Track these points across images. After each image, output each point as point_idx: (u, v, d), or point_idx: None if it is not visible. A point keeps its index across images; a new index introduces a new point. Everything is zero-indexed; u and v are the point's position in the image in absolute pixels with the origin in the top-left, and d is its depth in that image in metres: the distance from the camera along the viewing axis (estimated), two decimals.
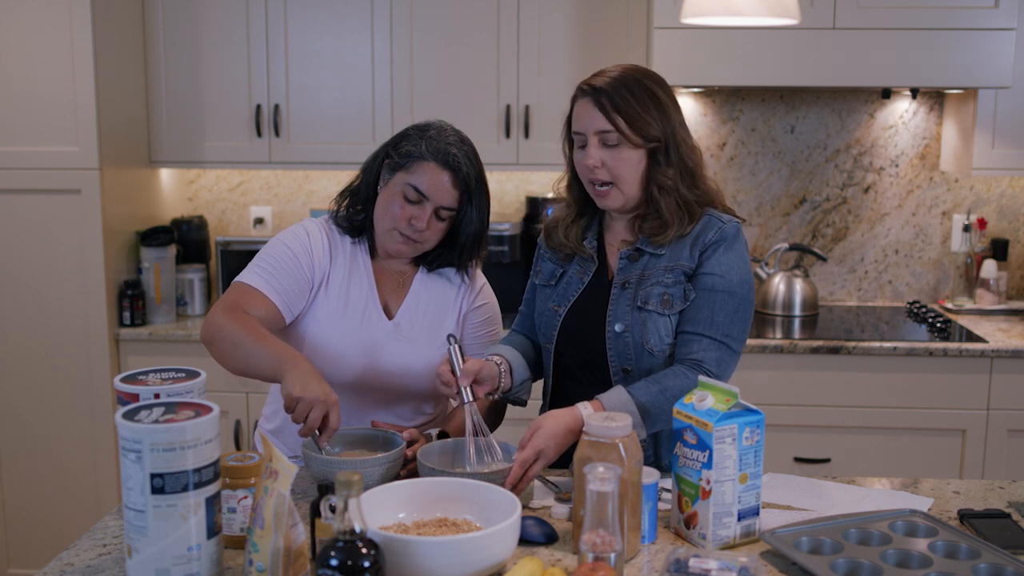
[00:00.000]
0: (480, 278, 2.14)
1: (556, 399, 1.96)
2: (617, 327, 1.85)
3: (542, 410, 1.96)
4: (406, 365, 2.02)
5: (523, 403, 2.00)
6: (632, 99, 1.82)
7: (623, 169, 1.83)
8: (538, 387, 2.06)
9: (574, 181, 1.95)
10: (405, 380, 2.02)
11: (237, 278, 1.98)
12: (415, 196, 1.94)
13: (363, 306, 2.02)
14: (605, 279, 1.92)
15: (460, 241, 2.02)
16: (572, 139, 1.91)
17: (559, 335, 1.93)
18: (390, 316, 2.04)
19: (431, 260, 2.07)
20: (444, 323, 2.07)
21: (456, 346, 1.80)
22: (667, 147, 1.84)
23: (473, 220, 1.99)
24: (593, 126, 1.83)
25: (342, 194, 2.08)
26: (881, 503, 1.78)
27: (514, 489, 1.65)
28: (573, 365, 1.94)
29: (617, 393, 1.76)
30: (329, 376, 1.78)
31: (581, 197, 1.96)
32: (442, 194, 1.94)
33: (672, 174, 1.84)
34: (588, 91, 1.85)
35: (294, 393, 1.69)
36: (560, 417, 1.72)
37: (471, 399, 1.79)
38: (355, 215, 2.06)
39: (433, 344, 2.05)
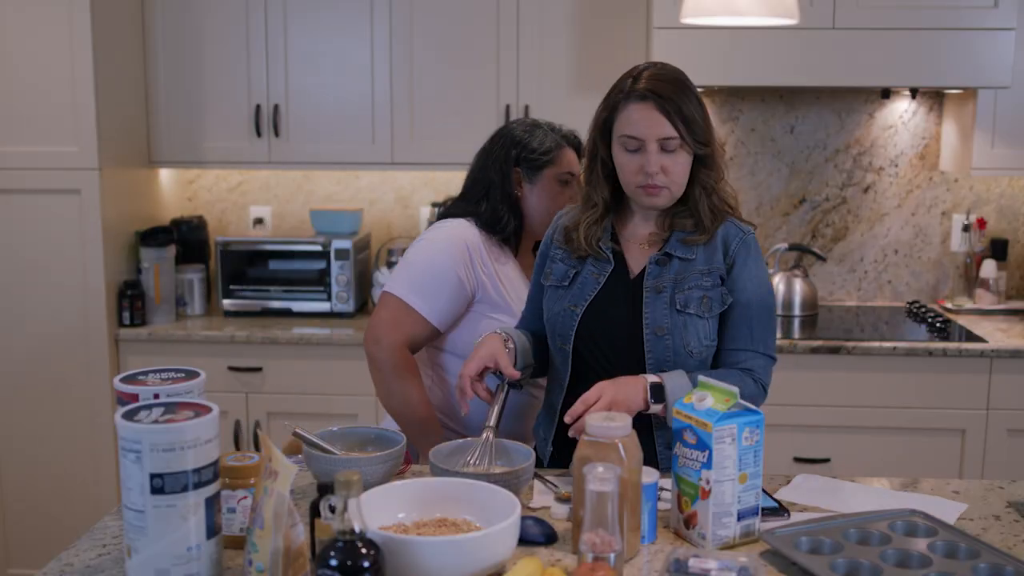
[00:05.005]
0: None
1: (574, 398, 1.93)
2: (656, 331, 1.86)
3: (561, 409, 1.93)
4: None
5: (519, 387, 2.04)
6: (690, 104, 1.83)
7: (678, 173, 1.84)
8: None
9: (605, 181, 1.92)
10: None
11: (396, 290, 2.09)
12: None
13: (516, 306, 2.13)
14: (626, 278, 1.91)
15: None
16: (608, 141, 1.88)
17: (577, 334, 1.91)
18: None
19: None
20: None
21: (507, 388, 1.91)
22: (713, 151, 1.87)
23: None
24: (656, 132, 1.80)
25: (471, 199, 2.21)
26: (909, 503, 1.76)
27: (571, 426, 1.72)
28: (593, 363, 1.92)
29: (680, 377, 1.80)
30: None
31: (611, 197, 1.93)
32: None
33: (714, 176, 1.88)
34: (650, 96, 1.81)
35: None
36: (626, 379, 1.78)
37: (494, 424, 1.85)
38: (500, 218, 2.17)
39: None
